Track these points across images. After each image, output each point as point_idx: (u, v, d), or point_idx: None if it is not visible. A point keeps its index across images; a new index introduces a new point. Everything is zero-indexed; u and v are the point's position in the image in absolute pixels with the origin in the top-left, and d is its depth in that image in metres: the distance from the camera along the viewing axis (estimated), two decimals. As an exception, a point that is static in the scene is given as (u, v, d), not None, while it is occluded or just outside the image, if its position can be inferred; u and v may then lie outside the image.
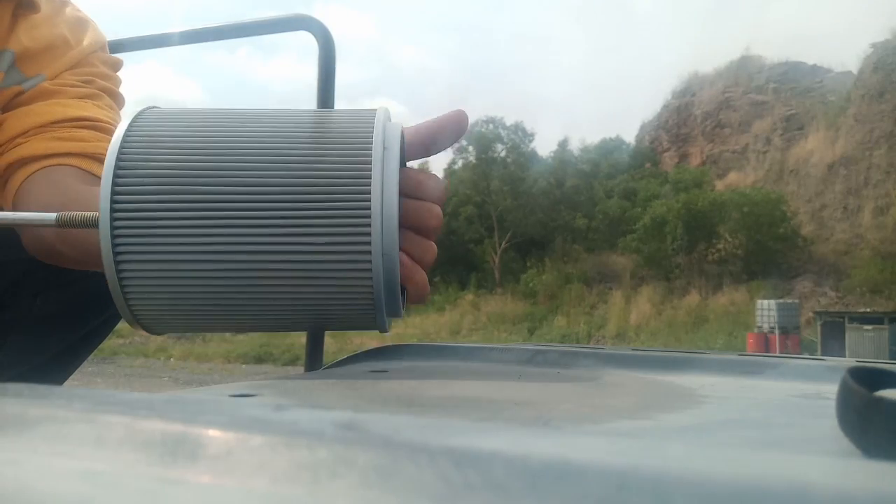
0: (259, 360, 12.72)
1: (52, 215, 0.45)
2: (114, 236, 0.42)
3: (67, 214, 0.44)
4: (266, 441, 0.16)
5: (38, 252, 0.61)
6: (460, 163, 19.64)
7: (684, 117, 22.00)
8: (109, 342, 13.51)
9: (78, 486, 0.15)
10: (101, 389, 0.22)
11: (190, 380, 9.78)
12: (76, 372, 0.83)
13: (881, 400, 0.25)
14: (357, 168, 0.43)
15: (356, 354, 0.72)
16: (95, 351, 0.86)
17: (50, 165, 0.61)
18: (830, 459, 0.19)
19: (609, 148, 22.16)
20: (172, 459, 0.15)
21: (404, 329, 15.03)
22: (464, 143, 19.37)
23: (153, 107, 0.48)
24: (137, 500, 0.14)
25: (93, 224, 0.43)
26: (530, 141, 19.87)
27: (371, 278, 0.43)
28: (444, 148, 0.51)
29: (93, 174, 0.62)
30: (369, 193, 0.42)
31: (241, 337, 15.25)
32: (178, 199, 0.42)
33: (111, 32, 0.81)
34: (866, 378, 0.29)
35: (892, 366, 0.37)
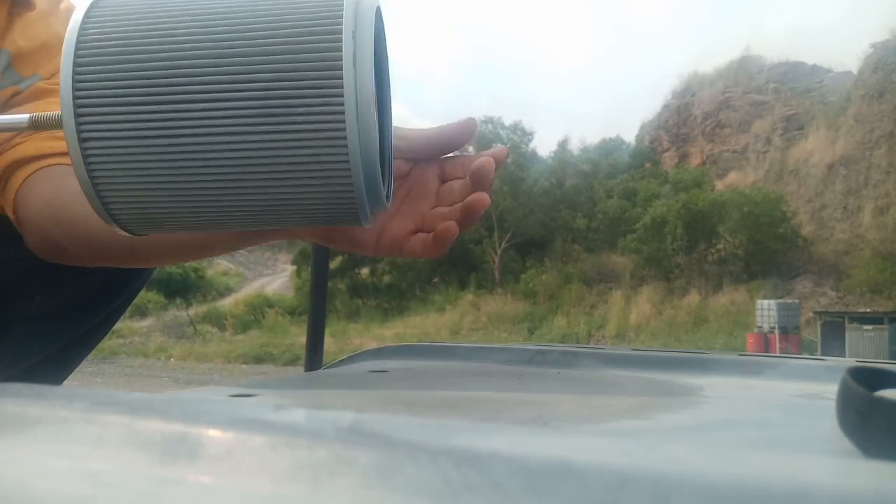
0: (259, 360, 12.72)
1: (26, 116, 0.43)
2: (79, 132, 0.40)
3: (39, 115, 0.43)
4: (266, 441, 0.16)
5: (41, 249, 0.61)
6: (460, 163, 19.60)
7: (684, 117, 22.00)
8: (109, 342, 13.51)
9: (78, 486, 0.15)
10: (101, 389, 0.22)
11: (190, 380, 9.77)
12: (76, 372, 0.83)
13: (881, 400, 0.25)
14: (327, 47, 0.40)
15: (356, 354, 0.72)
16: (95, 351, 0.86)
17: (49, 165, 0.61)
18: (830, 459, 0.19)
19: (609, 148, 22.15)
20: (172, 459, 0.15)
21: (404, 329, 15.03)
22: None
23: None
24: (137, 500, 0.14)
25: (58, 124, 0.42)
26: (530, 141, 19.89)
27: (348, 161, 0.41)
28: (455, 150, 0.53)
29: None
30: (341, 70, 0.40)
31: (240, 337, 15.26)
32: (144, 88, 0.40)
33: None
34: (866, 378, 0.28)
35: (892, 366, 0.37)
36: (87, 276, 0.71)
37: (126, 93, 0.40)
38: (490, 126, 19.47)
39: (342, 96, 0.40)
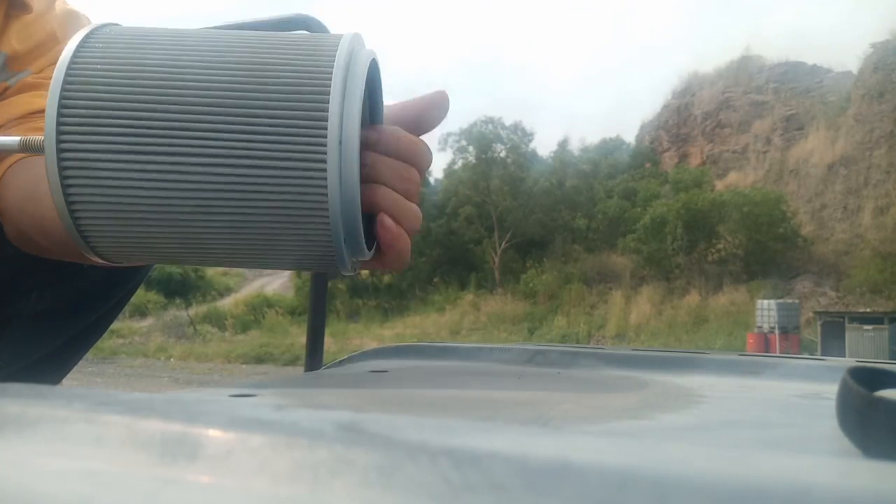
0: (259, 360, 12.71)
1: (16, 139, 0.43)
2: (60, 159, 0.40)
3: (27, 139, 0.43)
4: (266, 441, 0.16)
5: (21, 243, 0.61)
6: (460, 163, 19.63)
7: (684, 117, 21.99)
8: (109, 342, 13.52)
9: (78, 486, 0.15)
10: (101, 389, 0.22)
11: (190, 380, 9.77)
12: (76, 372, 0.83)
13: (881, 400, 0.25)
14: (315, 91, 0.40)
15: (356, 354, 0.72)
16: (95, 351, 0.86)
17: (29, 156, 0.62)
18: (830, 459, 0.19)
19: (609, 148, 22.16)
20: (172, 459, 0.15)
21: (404, 329, 15.03)
22: (464, 143, 19.37)
23: (111, 24, 0.45)
24: (137, 500, 0.14)
25: (40, 148, 0.41)
26: (530, 141, 19.85)
27: (327, 209, 0.40)
28: (431, 128, 0.49)
29: None
30: (326, 113, 0.39)
31: (240, 337, 15.26)
32: (127, 121, 0.40)
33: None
34: (866, 378, 0.29)
35: (892, 366, 0.37)
36: (84, 273, 0.71)
37: (110, 123, 0.40)
38: (490, 126, 19.46)
39: (325, 146, 0.39)
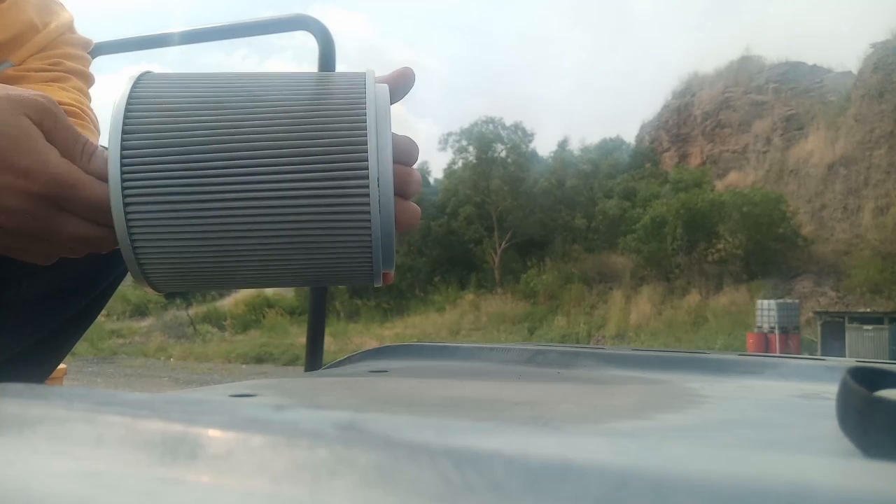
0: (259, 360, 12.71)
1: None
2: (125, 195, 0.43)
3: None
4: (266, 441, 0.16)
5: None
6: (460, 163, 19.63)
7: (684, 117, 21.99)
8: (109, 342, 13.52)
9: (78, 486, 0.15)
10: (101, 389, 0.22)
11: (190, 380, 9.76)
12: (76, 372, 0.83)
13: (881, 400, 0.25)
14: (354, 130, 0.45)
15: (356, 354, 0.72)
16: (95, 351, 0.86)
17: None
18: (830, 459, 0.19)
19: (609, 148, 22.14)
20: (172, 459, 0.15)
21: (404, 329, 15.03)
22: (464, 142, 19.38)
23: (148, 72, 0.49)
24: (137, 500, 0.14)
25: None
26: (530, 141, 19.84)
27: (370, 236, 0.45)
28: (396, 101, 0.54)
29: None
30: (366, 152, 0.44)
31: (240, 337, 15.26)
32: (184, 157, 0.44)
33: (112, 33, 0.81)
34: (866, 378, 0.29)
35: (892, 366, 0.37)
36: (71, 260, 0.71)
37: (168, 160, 0.44)
38: (490, 126, 19.46)
39: (367, 178, 0.44)
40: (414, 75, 0.54)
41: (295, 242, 0.45)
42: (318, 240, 0.45)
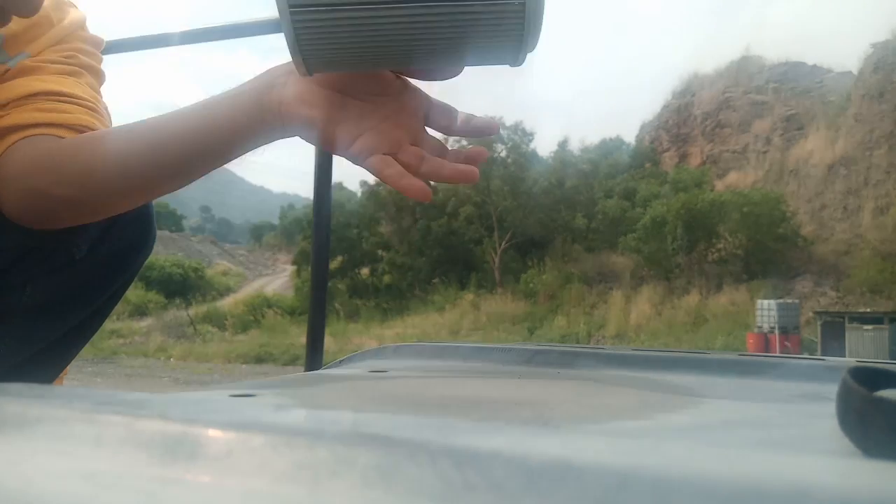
0: (259, 360, 12.71)
1: None
2: None
3: None
4: (266, 441, 0.16)
5: (23, 209, 0.62)
6: (460, 163, 19.57)
7: (684, 117, 21.99)
8: (109, 342, 13.51)
9: (78, 486, 0.15)
10: (101, 389, 0.22)
11: (190, 380, 9.76)
12: (77, 371, 0.82)
13: (881, 400, 0.25)
14: None
15: (356, 354, 0.72)
16: (95, 351, 0.86)
17: (34, 135, 0.64)
18: (830, 459, 0.19)
19: (609, 148, 22.15)
20: (172, 459, 0.15)
21: (404, 329, 15.02)
22: (464, 142, 19.37)
23: None
24: (137, 500, 0.14)
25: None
26: (530, 141, 19.84)
27: (524, 4, 0.46)
28: (461, 135, 0.60)
29: None
30: None
31: (240, 337, 15.25)
32: None
33: (111, 32, 0.82)
34: (866, 378, 0.28)
35: (892, 366, 0.37)
36: (77, 265, 0.71)
37: None
38: (490, 126, 19.40)
39: None
40: (497, 129, 0.63)
41: (446, 12, 0.46)
42: (470, 7, 0.46)
